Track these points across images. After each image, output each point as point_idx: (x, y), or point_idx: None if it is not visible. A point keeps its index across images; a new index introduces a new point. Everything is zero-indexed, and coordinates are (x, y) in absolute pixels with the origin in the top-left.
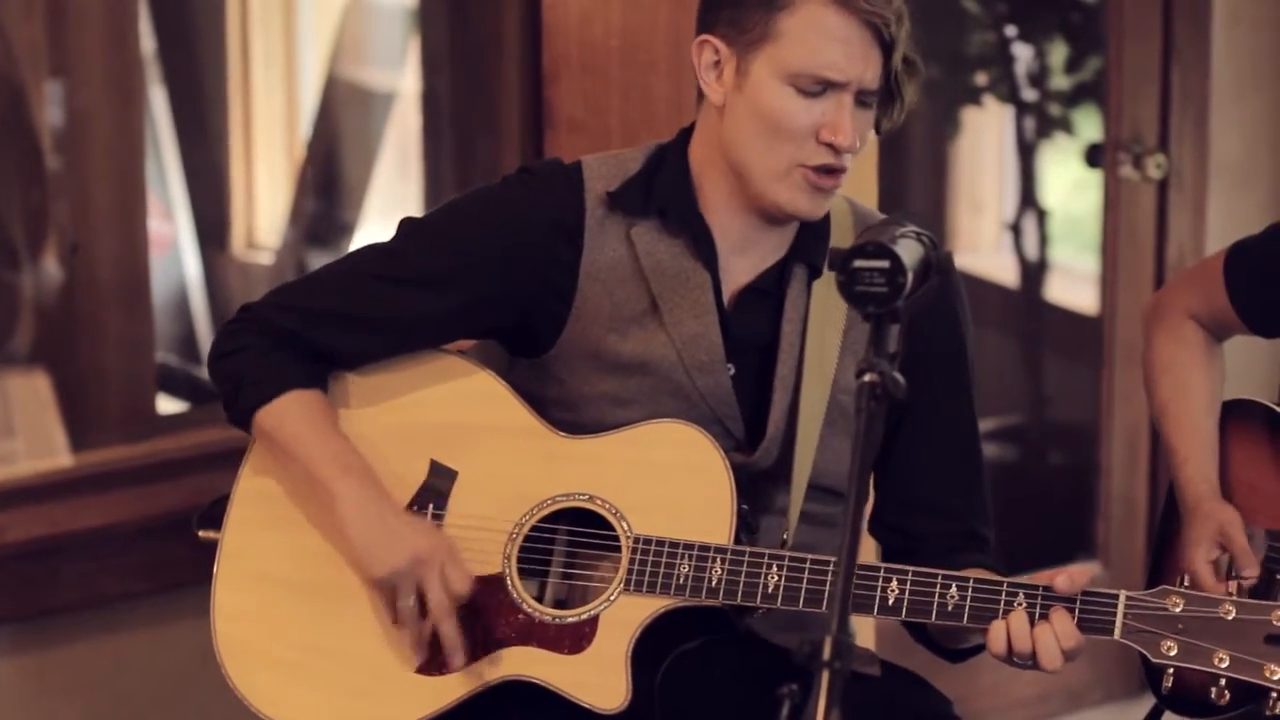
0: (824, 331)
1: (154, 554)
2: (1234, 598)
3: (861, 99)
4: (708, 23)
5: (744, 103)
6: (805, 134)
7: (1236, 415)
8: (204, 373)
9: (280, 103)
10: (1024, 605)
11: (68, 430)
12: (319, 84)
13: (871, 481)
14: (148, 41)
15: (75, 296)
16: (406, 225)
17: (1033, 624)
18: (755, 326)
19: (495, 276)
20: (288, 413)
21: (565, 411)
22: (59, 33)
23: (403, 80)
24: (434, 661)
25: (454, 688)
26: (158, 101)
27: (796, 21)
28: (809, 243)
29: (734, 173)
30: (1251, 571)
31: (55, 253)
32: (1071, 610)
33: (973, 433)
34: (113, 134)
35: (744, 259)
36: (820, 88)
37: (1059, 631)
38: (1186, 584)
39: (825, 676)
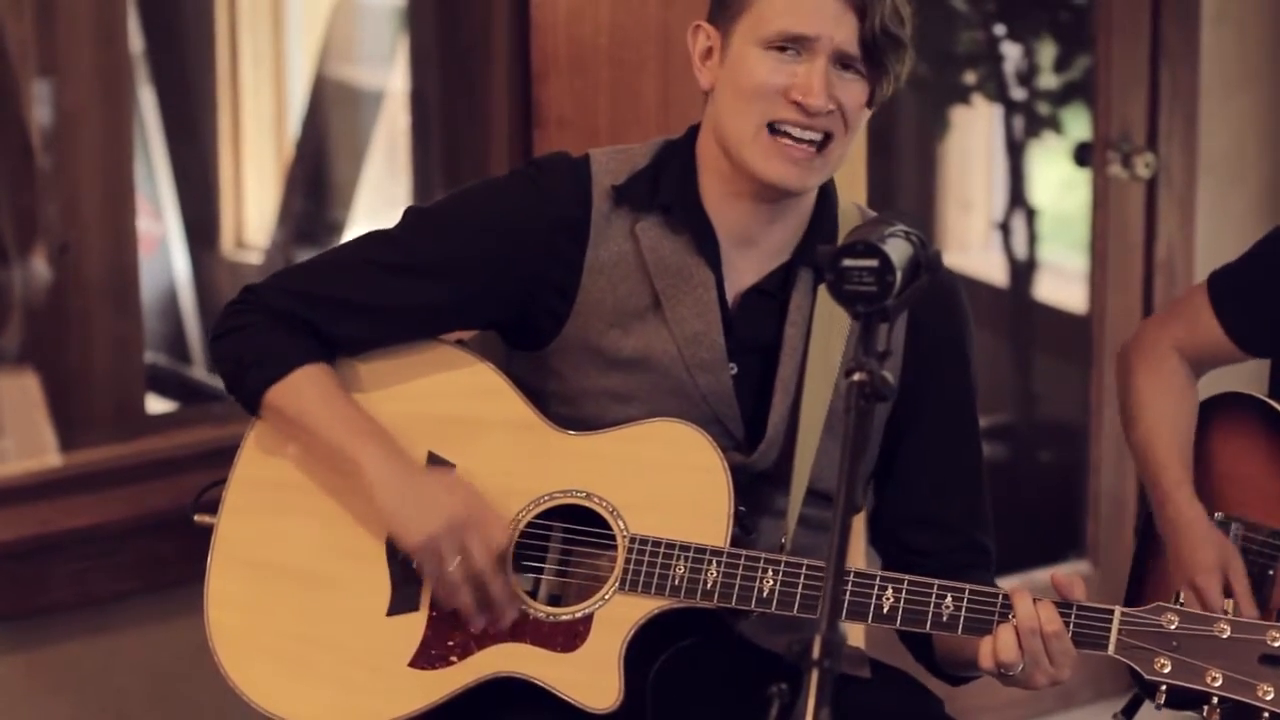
0: (828, 336)
1: (144, 553)
2: (1229, 616)
3: (844, 63)
4: (708, 13)
5: (726, 77)
6: (774, 93)
7: (1227, 407)
8: (193, 372)
9: (269, 102)
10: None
11: (57, 429)
12: (308, 83)
13: (870, 489)
14: (136, 41)
15: (64, 296)
16: (411, 214)
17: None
18: (759, 327)
19: (497, 270)
20: (301, 388)
21: (564, 406)
22: (48, 32)
23: (391, 79)
24: (427, 654)
25: (445, 683)
26: (146, 101)
27: None
28: (816, 246)
29: (723, 153)
30: (1251, 612)
31: (44, 252)
32: (1066, 617)
33: (976, 445)
34: (101, 133)
35: (748, 257)
36: (793, 47)
37: (1042, 617)
38: (1181, 601)
39: (814, 675)
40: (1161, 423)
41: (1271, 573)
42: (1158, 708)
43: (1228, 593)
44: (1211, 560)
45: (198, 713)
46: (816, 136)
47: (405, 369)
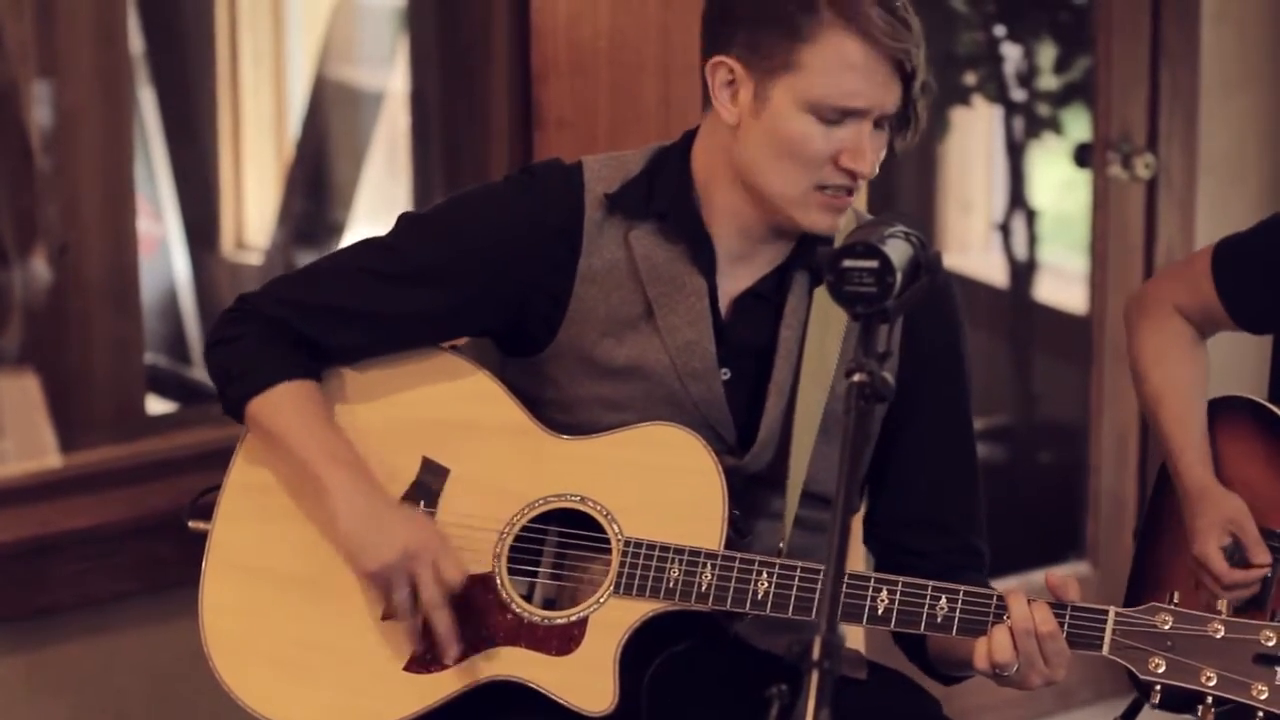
0: (823, 339)
1: (143, 554)
2: (1223, 616)
3: (878, 122)
4: (721, 42)
5: (762, 128)
6: (824, 159)
7: (1226, 411)
8: (193, 373)
9: (269, 102)
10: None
11: (57, 430)
12: (308, 84)
13: (864, 490)
14: (136, 41)
15: (64, 297)
16: (405, 221)
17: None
18: (753, 331)
19: (491, 276)
20: (280, 404)
21: (559, 412)
22: (48, 32)
23: (391, 80)
24: (422, 659)
25: (440, 686)
26: (146, 101)
27: (819, 53)
28: (812, 249)
29: (747, 190)
30: (1264, 559)
31: (44, 253)
32: (1060, 618)
33: (970, 447)
34: (101, 134)
35: (743, 266)
36: (840, 116)
37: (1037, 618)
38: (1176, 601)
39: (814, 676)
40: (1165, 385)
41: (1271, 575)
42: (1153, 707)
43: (1237, 551)
44: (1206, 522)
45: (196, 714)
46: (856, 187)
47: (401, 375)
